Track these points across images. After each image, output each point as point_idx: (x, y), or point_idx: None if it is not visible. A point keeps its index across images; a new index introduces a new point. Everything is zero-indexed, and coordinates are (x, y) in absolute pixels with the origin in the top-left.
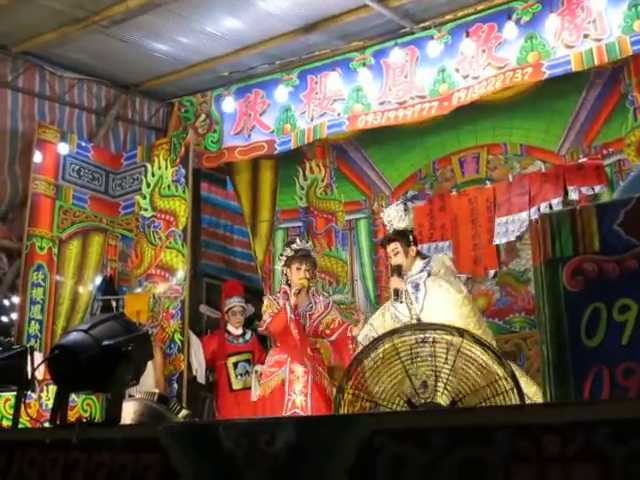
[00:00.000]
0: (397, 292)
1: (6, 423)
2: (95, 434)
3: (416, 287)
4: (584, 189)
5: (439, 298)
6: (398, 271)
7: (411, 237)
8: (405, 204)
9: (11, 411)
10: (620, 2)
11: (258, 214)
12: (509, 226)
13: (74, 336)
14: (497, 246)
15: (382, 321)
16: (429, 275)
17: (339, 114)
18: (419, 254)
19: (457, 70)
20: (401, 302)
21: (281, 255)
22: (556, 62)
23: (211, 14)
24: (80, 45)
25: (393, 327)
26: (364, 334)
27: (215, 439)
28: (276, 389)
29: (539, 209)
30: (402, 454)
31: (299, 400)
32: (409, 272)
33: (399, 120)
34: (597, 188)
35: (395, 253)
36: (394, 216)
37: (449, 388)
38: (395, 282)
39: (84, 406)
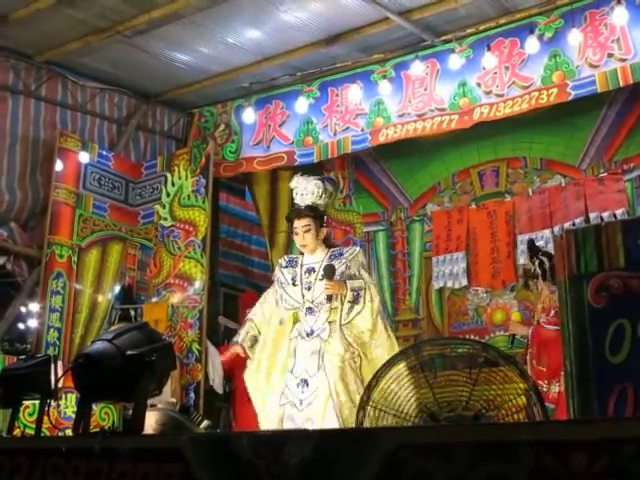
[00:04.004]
0: (330, 298)
1: (26, 431)
2: (118, 443)
3: (356, 298)
4: (606, 215)
5: (367, 319)
6: (332, 273)
7: (324, 218)
8: (324, 182)
9: (30, 419)
10: None
11: (276, 224)
12: None
13: (98, 345)
14: (515, 260)
15: (262, 313)
16: (350, 272)
17: (362, 129)
18: (326, 239)
19: (479, 85)
20: (295, 285)
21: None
22: (581, 82)
23: (233, 25)
24: (103, 55)
25: (276, 311)
26: (244, 332)
27: (238, 450)
28: None
29: (562, 228)
30: (426, 468)
31: None
32: (311, 255)
33: (418, 132)
34: (619, 212)
35: (306, 230)
36: (311, 190)
37: (472, 402)
38: (337, 286)
39: (102, 414)
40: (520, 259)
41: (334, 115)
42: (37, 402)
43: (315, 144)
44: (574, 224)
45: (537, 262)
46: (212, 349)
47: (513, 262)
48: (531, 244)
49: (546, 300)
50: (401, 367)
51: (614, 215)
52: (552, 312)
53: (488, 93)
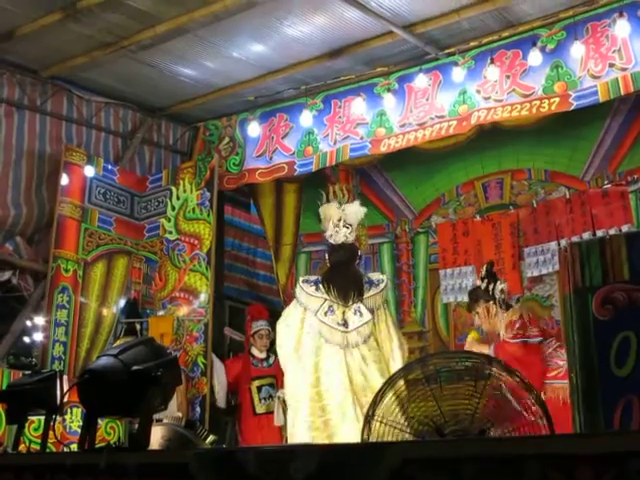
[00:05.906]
0: None
1: (32, 446)
2: (123, 459)
3: None
4: (612, 232)
5: None
6: None
7: None
8: None
9: (36, 434)
10: None
11: (281, 237)
12: (540, 257)
13: (104, 361)
14: (521, 271)
15: None
16: None
17: (362, 138)
18: None
19: (478, 92)
20: None
21: None
22: (583, 92)
23: (237, 39)
24: (108, 69)
25: None
26: None
27: (244, 466)
28: None
29: (569, 241)
30: None
31: None
32: None
33: (418, 140)
34: (625, 228)
35: None
36: None
37: (478, 416)
38: None
39: (108, 429)
40: (527, 271)
41: (335, 125)
42: (43, 417)
43: (315, 154)
44: (581, 238)
45: (492, 286)
46: (217, 363)
47: (518, 274)
48: (489, 268)
49: (503, 320)
50: (407, 381)
51: (620, 230)
52: (517, 324)
53: (487, 98)
